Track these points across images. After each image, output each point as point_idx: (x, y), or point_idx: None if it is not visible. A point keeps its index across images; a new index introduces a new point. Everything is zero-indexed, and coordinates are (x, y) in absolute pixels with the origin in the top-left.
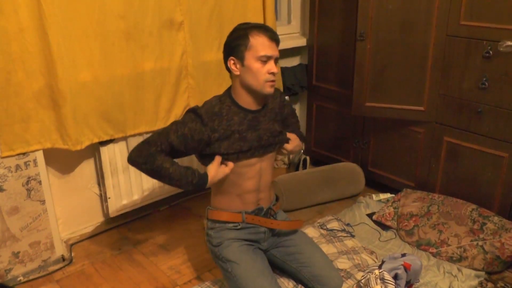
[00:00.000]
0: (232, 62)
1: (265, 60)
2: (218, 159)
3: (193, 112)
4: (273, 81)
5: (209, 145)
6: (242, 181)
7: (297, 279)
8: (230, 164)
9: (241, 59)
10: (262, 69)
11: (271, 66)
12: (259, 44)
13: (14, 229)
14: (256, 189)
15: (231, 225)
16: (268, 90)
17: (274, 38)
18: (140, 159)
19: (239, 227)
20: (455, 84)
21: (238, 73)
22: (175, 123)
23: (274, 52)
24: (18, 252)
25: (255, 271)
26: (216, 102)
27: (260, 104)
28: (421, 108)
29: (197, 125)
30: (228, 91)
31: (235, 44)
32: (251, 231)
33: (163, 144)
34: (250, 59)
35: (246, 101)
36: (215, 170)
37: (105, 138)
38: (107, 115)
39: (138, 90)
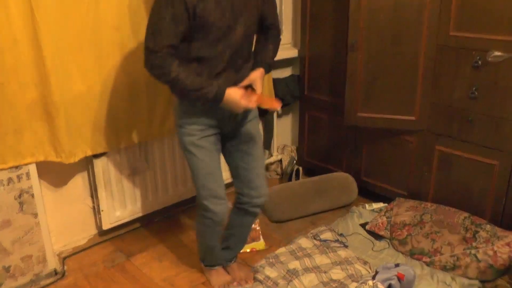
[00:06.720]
0: None
1: None
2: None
3: None
4: None
5: (195, 10)
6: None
7: (233, 174)
8: (253, 100)
9: None
10: None
11: None
12: None
13: (5, 242)
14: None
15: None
16: None
17: None
18: (155, 71)
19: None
20: (445, 94)
21: None
22: (154, 15)
23: None
24: (9, 266)
25: (207, 168)
26: None
27: None
28: (413, 118)
29: None
30: None
31: None
32: (217, 114)
33: (165, 40)
34: None
35: None
36: (235, 91)
37: (99, 150)
38: (100, 126)
39: (132, 101)
